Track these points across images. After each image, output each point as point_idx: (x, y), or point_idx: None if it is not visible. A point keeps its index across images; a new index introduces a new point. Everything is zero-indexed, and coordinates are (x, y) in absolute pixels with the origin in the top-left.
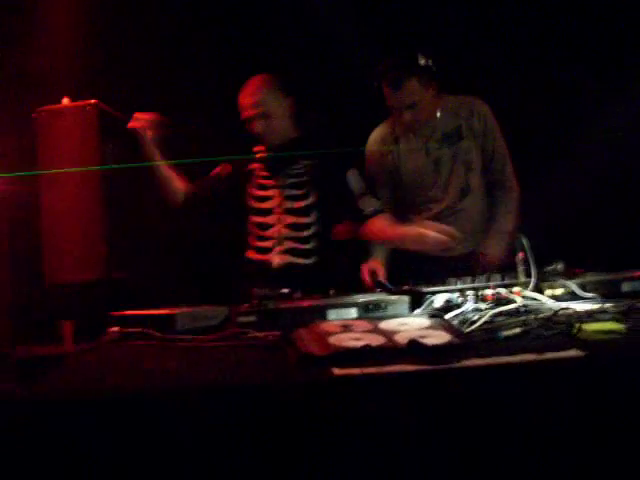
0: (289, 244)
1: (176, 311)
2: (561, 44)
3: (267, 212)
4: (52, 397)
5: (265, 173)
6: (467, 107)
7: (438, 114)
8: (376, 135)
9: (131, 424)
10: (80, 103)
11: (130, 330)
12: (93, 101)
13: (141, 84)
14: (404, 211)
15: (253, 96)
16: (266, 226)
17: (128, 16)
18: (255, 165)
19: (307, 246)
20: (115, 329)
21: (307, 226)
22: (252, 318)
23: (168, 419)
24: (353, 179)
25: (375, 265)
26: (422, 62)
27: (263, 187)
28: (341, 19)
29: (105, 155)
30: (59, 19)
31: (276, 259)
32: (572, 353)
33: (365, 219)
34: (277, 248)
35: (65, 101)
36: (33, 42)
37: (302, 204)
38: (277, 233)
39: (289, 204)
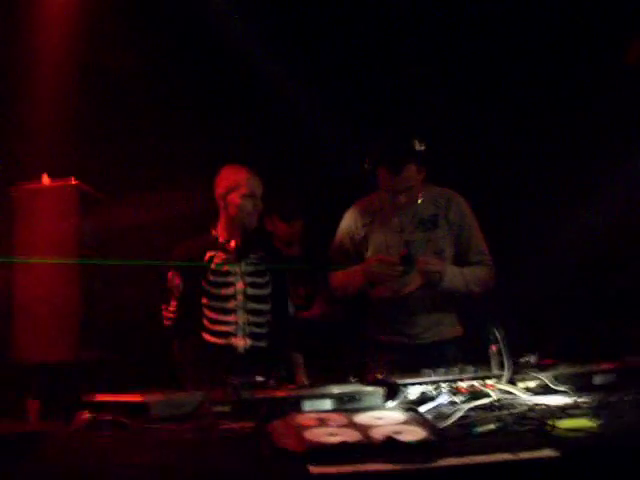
0: (250, 329)
1: (149, 398)
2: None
3: (228, 298)
4: None
5: (225, 259)
6: (445, 198)
7: (419, 200)
8: (351, 213)
9: None
10: (60, 182)
11: (100, 417)
12: (73, 181)
13: (119, 162)
14: (374, 291)
15: (254, 178)
16: (227, 311)
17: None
18: (212, 252)
19: (265, 330)
20: (85, 414)
21: (266, 312)
22: (227, 408)
23: None
24: None
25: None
26: (419, 147)
27: (223, 273)
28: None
29: (84, 235)
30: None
31: (240, 343)
32: (546, 453)
33: None
34: (240, 333)
35: (45, 179)
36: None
37: (264, 292)
38: (240, 319)
39: (251, 291)
